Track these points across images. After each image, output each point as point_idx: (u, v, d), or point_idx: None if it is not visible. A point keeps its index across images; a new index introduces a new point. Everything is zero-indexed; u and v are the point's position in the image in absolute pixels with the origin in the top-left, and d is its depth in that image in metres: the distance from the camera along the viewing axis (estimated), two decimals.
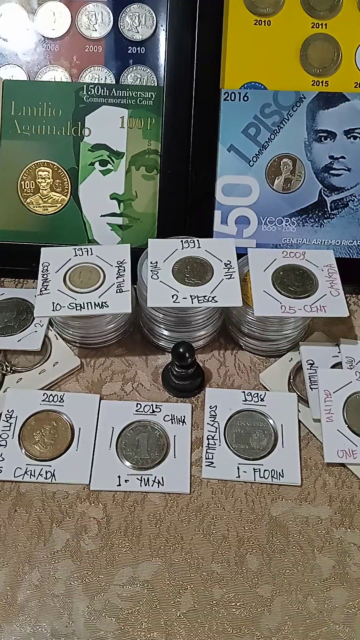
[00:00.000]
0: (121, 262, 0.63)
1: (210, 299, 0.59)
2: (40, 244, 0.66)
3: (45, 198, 0.71)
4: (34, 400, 0.60)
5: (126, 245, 0.65)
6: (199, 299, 0.59)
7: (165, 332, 0.64)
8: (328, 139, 0.69)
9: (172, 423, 0.59)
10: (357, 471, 0.57)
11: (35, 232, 0.71)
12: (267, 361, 0.65)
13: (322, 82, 0.69)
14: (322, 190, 0.70)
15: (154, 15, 0.70)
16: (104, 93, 0.70)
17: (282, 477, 0.56)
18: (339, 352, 0.64)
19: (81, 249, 0.64)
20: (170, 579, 0.51)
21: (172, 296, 0.59)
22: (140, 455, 0.57)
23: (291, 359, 0.65)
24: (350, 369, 0.62)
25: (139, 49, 0.70)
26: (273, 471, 0.56)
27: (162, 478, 0.56)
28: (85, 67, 0.70)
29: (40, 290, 0.61)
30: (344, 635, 0.48)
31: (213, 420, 0.59)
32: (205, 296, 0.59)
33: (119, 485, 0.56)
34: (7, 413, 0.60)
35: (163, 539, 0.53)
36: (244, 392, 0.61)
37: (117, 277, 0.62)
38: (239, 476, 0.56)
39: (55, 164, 0.71)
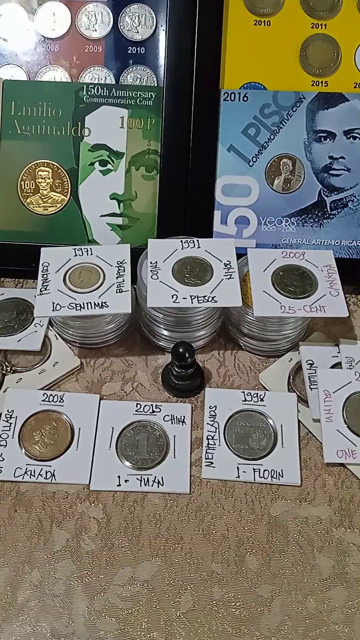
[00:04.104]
0: (121, 262, 0.63)
1: (210, 299, 0.59)
2: (40, 244, 0.66)
3: (45, 198, 0.71)
4: (34, 400, 0.60)
5: (126, 245, 0.65)
6: (199, 299, 0.59)
7: (165, 332, 0.64)
8: (328, 139, 0.69)
9: (172, 423, 0.59)
10: (357, 471, 0.57)
11: (35, 232, 0.71)
12: (266, 361, 0.65)
13: (321, 82, 0.69)
14: (321, 191, 0.70)
15: (153, 15, 0.70)
16: (104, 93, 0.70)
17: (282, 477, 0.56)
18: (339, 352, 0.64)
19: (81, 249, 0.64)
20: (170, 579, 0.51)
21: (172, 296, 0.59)
22: (140, 455, 0.57)
23: (291, 359, 0.65)
24: (350, 369, 0.62)
25: (139, 49, 0.70)
26: (273, 471, 0.56)
27: (162, 478, 0.56)
28: (85, 67, 0.70)
29: (40, 290, 0.61)
30: (343, 636, 0.48)
31: (213, 420, 0.59)
32: (205, 296, 0.59)
33: (119, 485, 0.56)
34: (7, 413, 0.60)
35: (163, 539, 0.53)
36: (243, 392, 0.61)
37: (117, 277, 0.62)
38: (238, 476, 0.56)
39: (55, 164, 0.71)
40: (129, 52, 0.70)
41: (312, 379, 0.61)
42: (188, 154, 0.69)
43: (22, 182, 0.71)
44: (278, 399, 0.61)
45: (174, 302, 0.59)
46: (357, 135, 0.69)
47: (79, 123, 0.70)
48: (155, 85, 0.70)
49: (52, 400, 0.61)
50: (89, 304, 0.60)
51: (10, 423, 0.59)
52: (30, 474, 0.56)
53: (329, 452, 0.57)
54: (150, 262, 0.62)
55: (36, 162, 0.71)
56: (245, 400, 0.61)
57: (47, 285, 0.61)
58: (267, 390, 0.63)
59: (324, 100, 0.69)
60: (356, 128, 0.69)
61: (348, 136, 0.69)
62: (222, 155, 0.70)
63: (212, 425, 0.59)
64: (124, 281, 0.61)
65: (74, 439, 0.58)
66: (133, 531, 0.54)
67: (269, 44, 0.69)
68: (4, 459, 0.57)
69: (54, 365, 0.64)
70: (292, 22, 0.69)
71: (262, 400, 0.60)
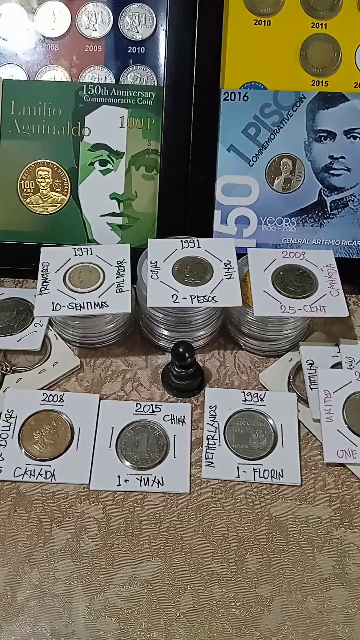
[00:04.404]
0: (121, 262, 0.63)
1: (210, 299, 0.59)
2: (40, 244, 0.66)
3: (45, 198, 0.71)
4: (34, 400, 0.60)
5: (126, 245, 0.65)
6: (199, 299, 0.59)
7: (165, 332, 0.64)
8: (328, 139, 0.69)
9: (172, 423, 0.59)
10: (357, 471, 0.57)
11: (35, 232, 0.71)
12: (267, 361, 0.65)
13: (322, 82, 0.69)
14: (322, 190, 0.70)
15: (153, 15, 0.70)
16: (103, 93, 0.70)
17: (282, 477, 0.56)
18: (339, 352, 0.64)
19: (81, 248, 0.64)
20: (170, 579, 0.51)
21: (172, 296, 0.59)
22: (140, 455, 0.57)
23: (291, 359, 0.65)
24: (350, 369, 0.62)
25: (138, 48, 0.70)
26: (273, 471, 0.56)
27: (162, 478, 0.56)
28: (85, 66, 0.70)
29: (40, 290, 0.61)
30: (343, 635, 0.48)
31: (213, 420, 0.59)
32: (205, 296, 0.59)
33: (119, 485, 0.56)
34: (6, 413, 0.60)
35: (163, 539, 0.53)
36: (243, 392, 0.61)
37: (117, 277, 0.62)
38: (238, 476, 0.56)
39: (55, 163, 0.71)
40: (129, 51, 0.70)
41: (312, 379, 0.61)
42: (188, 153, 0.69)
43: (22, 182, 0.71)
44: (278, 399, 0.61)
45: (174, 302, 0.59)
46: (358, 135, 0.69)
47: (79, 123, 0.70)
48: (155, 85, 0.70)
49: (52, 400, 0.60)
50: (88, 303, 0.60)
51: (10, 423, 0.59)
52: (30, 474, 0.56)
53: (329, 452, 0.57)
54: (150, 262, 0.62)
55: (36, 161, 0.71)
56: (246, 400, 0.61)
57: (47, 285, 0.61)
58: (267, 390, 0.63)
59: (324, 100, 0.69)
60: (356, 128, 0.69)
61: (348, 136, 0.69)
62: (222, 155, 0.70)
63: (212, 425, 0.59)
64: (124, 281, 0.61)
65: (74, 439, 0.58)
66: (133, 531, 0.54)
67: (269, 43, 0.69)
68: (3, 459, 0.57)
69: (53, 365, 0.64)
70: (292, 22, 0.69)
71: (262, 400, 0.60)
